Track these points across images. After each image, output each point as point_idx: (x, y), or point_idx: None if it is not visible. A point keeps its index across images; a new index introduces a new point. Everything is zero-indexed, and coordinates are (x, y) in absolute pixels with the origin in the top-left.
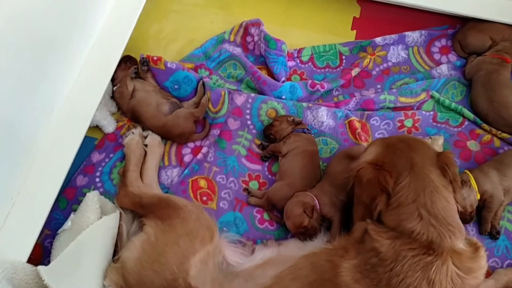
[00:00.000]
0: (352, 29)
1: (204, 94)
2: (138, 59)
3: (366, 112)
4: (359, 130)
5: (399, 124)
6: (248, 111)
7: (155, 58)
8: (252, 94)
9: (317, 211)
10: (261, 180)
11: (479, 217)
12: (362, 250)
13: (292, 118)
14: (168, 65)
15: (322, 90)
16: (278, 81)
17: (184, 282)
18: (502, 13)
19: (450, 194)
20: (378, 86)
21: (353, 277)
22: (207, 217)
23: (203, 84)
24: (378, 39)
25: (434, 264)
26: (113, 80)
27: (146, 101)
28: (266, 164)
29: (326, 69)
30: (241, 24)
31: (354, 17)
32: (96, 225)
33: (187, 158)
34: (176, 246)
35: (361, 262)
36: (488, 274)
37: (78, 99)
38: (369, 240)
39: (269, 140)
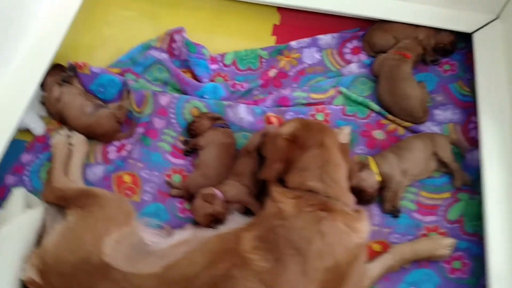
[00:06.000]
0: (272, 35)
1: (128, 98)
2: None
3: (282, 108)
4: (276, 124)
5: (311, 118)
6: (172, 110)
7: (80, 63)
8: (176, 95)
9: (219, 198)
10: (184, 174)
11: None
12: (264, 219)
13: (211, 114)
14: (93, 69)
15: (242, 90)
16: (201, 82)
17: (98, 259)
18: (404, 14)
19: (346, 173)
20: (295, 85)
21: (253, 245)
22: (126, 204)
23: (128, 91)
24: (293, 43)
25: (326, 218)
26: (43, 86)
27: (71, 104)
28: (190, 158)
29: (248, 71)
30: (166, 33)
31: (275, 24)
32: (19, 218)
33: (112, 156)
34: (92, 228)
35: (262, 231)
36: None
37: (5, 104)
38: (272, 205)
39: (192, 136)
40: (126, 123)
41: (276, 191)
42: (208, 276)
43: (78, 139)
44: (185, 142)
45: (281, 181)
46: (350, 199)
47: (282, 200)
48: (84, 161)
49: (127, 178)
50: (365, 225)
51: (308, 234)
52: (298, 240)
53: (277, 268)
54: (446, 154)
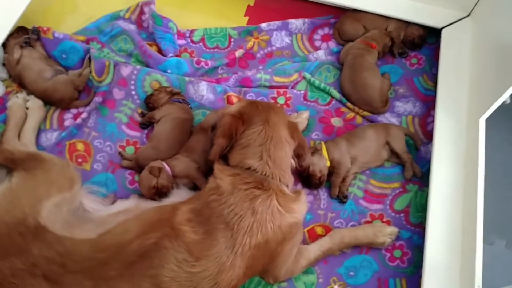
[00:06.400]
0: (245, 16)
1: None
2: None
3: (243, 89)
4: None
5: (272, 101)
6: (133, 82)
7: (45, 28)
8: (138, 66)
9: (166, 172)
10: (138, 146)
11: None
12: (202, 194)
13: (170, 89)
14: (56, 34)
15: (206, 67)
16: (166, 56)
17: (34, 221)
18: (376, 5)
19: (291, 151)
20: (260, 67)
21: (186, 217)
22: (71, 170)
23: (90, 58)
24: (263, 25)
25: (260, 197)
26: (5, 48)
27: (29, 67)
28: (146, 131)
29: (215, 50)
30: (137, 4)
31: (249, 5)
32: None
33: (67, 123)
34: (32, 191)
35: (198, 205)
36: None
37: None
38: (212, 181)
39: (149, 109)
40: (86, 91)
41: (217, 168)
42: (140, 244)
43: (35, 104)
44: (141, 115)
45: (226, 159)
46: (289, 179)
47: (220, 176)
48: (38, 125)
49: (80, 146)
50: (301, 206)
51: (240, 211)
52: (230, 215)
53: (206, 241)
54: (399, 145)
